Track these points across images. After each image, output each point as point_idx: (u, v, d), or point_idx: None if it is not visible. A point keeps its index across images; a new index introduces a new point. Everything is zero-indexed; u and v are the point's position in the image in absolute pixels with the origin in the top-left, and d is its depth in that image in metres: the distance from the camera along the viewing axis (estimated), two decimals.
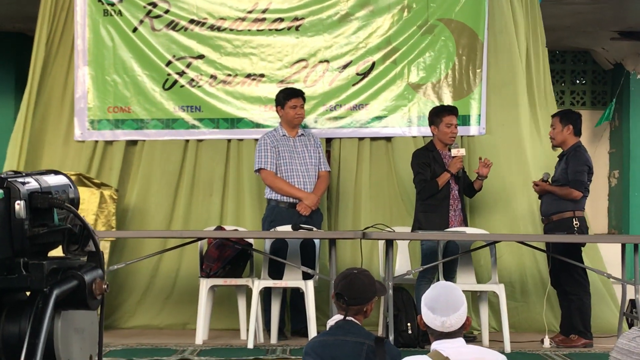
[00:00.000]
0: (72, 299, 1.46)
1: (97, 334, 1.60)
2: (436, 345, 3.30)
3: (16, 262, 1.45)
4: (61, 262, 1.51)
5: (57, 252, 1.62)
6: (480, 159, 7.02)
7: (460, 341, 3.34)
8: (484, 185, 7.34)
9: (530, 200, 7.36)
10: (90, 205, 6.94)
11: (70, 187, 1.61)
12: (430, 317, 3.28)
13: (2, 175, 1.45)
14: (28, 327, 1.39)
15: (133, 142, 7.78)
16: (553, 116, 7.00)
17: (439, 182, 6.83)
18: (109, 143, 7.77)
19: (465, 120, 7.59)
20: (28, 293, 1.49)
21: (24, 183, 1.47)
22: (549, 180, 6.87)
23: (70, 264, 1.52)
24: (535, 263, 7.34)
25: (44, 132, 7.77)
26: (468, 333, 7.01)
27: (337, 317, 3.92)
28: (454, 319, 3.27)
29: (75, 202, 1.61)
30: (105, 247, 7.03)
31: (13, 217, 1.42)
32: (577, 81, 10.91)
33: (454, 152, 6.91)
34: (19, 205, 1.43)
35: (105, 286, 1.51)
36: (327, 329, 3.97)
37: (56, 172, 1.62)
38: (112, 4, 7.79)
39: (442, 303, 3.27)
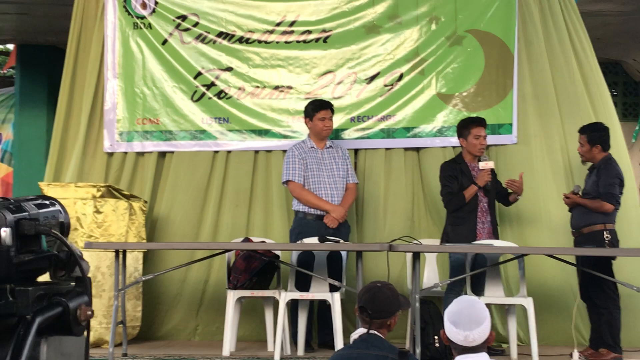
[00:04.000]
0: (56, 325, 1.47)
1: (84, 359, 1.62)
2: None
3: (2, 289, 1.46)
4: (48, 288, 1.52)
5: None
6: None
7: (484, 356, 3.31)
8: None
9: (563, 213, 7.29)
10: (120, 217, 6.99)
11: (61, 213, 1.63)
12: (453, 331, 3.27)
13: None
14: (9, 354, 1.40)
15: (161, 154, 7.83)
16: (580, 132, 6.89)
17: (466, 195, 6.79)
18: (138, 154, 7.83)
19: (494, 129, 7.55)
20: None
21: (11, 210, 1.48)
22: (580, 192, 6.82)
23: (58, 289, 1.53)
24: (565, 276, 7.28)
25: (75, 143, 7.84)
26: (496, 346, 6.97)
27: (361, 331, 3.91)
28: (477, 333, 3.25)
29: (66, 227, 1.63)
30: (138, 258, 7.08)
31: None
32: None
33: (481, 164, 6.88)
34: (5, 233, 1.45)
35: (90, 312, 1.52)
36: (351, 342, 3.96)
37: (45, 197, 1.63)
38: (142, 17, 7.86)
39: (465, 317, 3.26)
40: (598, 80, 7.78)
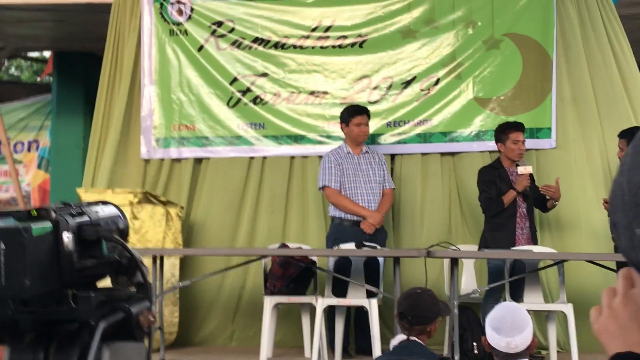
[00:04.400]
0: (119, 331, 1.47)
1: None
2: None
3: (64, 294, 1.46)
4: (109, 294, 1.52)
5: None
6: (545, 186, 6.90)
7: None
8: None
9: (603, 218, 7.20)
10: (157, 223, 7.01)
11: (120, 218, 1.62)
12: (495, 338, 3.23)
13: (52, 207, 1.46)
14: (74, 359, 1.40)
15: (197, 160, 7.84)
16: (620, 137, 6.81)
17: (505, 201, 6.74)
18: (175, 161, 7.85)
19: (532, 133, 7.48)
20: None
21: (72, 215, 1.48)
22: None
23: (118, 295, 1.53)
24: (605, 282, 7.17)
25: (112, 150, 7.86)
26: (536, 354, 6.89)
27: (401, 337, 3.88)
28: (519, 339, 3.21)
29: (125, 232, 1.62)
30: (175, 264, 7.10)
31: (62, 250, 1.44)
32: None
33: (520, 169, 6.82)
34: (68, 238, 1.44)
35: (152, 318, 1.52)
36: (391, 349, 3.93)
37: (105, 203, 1.63)
38: (178, 24, 7.88)
39: (507, 324, 3.22)
40: (638, 84, 7.69)
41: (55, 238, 1.43)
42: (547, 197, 6.93)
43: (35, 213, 1.43)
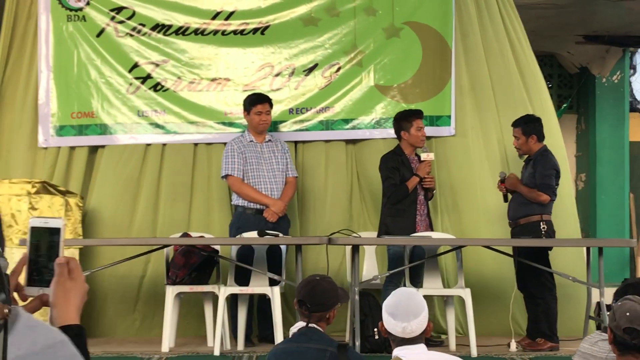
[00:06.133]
0: None
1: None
2: (398, 352, 3.29)
3: None
4: None
5: None
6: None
7: (421, 347, 3.32)
8: (456, 188, 7.51)
9: (500, 204, 7.35)
10: (56, 213, 6.87)
11: None
12: (391, 323, 3.27)
13: None
14: None
15: (95, 148, 7.70)
16: (514, 126, 6.95)
17: (409, 186, 6.82)
18: (72, 149, 7.68)
19: (432, 121, 7.60)
20: None
21: None
22: (506, 178, 6.89)
23: None
24: (502, 267, 7.35)
25: (8, 139, 7.68)
26: (435, 337, 7.01)
27: (300, 324, 3.90)
28: (415, 324, 3.26)
29: None
30: (74, 254, 6.96)
31: None
32: None
33: (423, 156, 6.91)
34: None
35: (7, 310, 1.48)
36: (290, 336, 3.95)
37: None
38: (76, 10, 7.72)
39: (403, 309, 3.26)
40: (534, 72, 7.87)
41: None
42: (430, 188, 7.03)
43: None
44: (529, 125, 6.85)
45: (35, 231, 1.69)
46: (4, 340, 1.51)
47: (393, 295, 3.34)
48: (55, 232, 1.69)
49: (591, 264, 6.60)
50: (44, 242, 1.69)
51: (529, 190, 6.71)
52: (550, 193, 6.73)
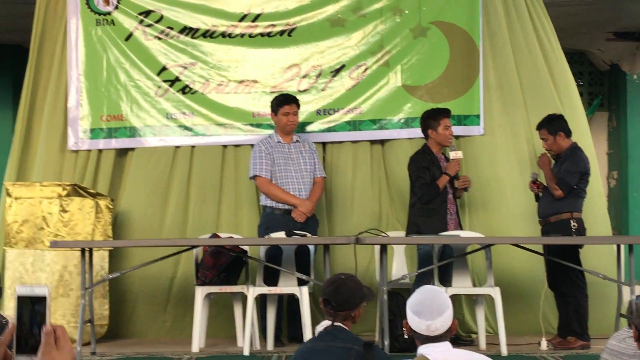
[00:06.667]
0: None
1: None
2: (422, 350, 3.28)
3: None
4: None
5: None
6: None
7: (446, 345, 3.31)
8: (484, 186, 7.48)
9: (530, 202, 7.32)
10: (86, 215, 6.94)
11: None
12: (415, 321, 3.26)
13: None
14: None
15: (125, 151, 7.77)
16: (539, 129, 6.92)
17: (440, 185, 6.82)
18: (102, 152, 7.76)
19: (460, 120, 7.58)
20: None
21: None
22: (538, 179, 6.87)
23: None
24: (532, 265, 7.31)
25: (40, 142, 7.76)
26: (465, 337, 6.99)
27: (326, 323, 3.91)
28: (439, 322, 3.24)
29: None
30: (104, 256, 7.03)
31: None
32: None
33: (452, 154, 6.90)
34: None
35: None
36: (316, 334, 3.95)
37: None
38: (105, 14, 7.79)
39: (427, 307, 3.25)
40: (564, 70, 7.82)
41: None
42: (464, 188, 7.02)
43: None
44: (552, 124, 6.82)
45: (22, 300, 1.70)
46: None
47: (417, 293, 3.33)
48: (42, 300, 1.70)
49: (622, 261, 6.54)
50: (30, 310, 1.71)
51: (550, 178, 6.68)
52: (566, 191, 6.66)
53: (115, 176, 7.72)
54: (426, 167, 6.87)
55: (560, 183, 6.65)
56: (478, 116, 7.67)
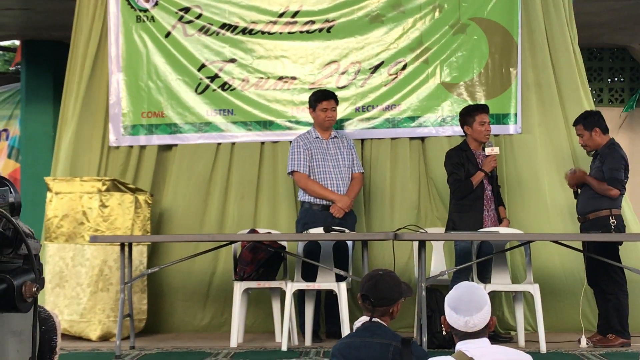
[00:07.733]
0: (1, 302, 1.47)
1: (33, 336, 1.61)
2: (460, 346, 3.27)
3: None
4: None
5: None
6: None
7: (484, 341, 3.29)
8: (523, 184, 7.44)
9: (569, 199, 7.27)
10: (126, 210, 7.00)
11: (11, 192, 1.62)
12: (453, 317, 3.25)
13: None
14: None
15: (167, 147, 7.84)
16: (575, 125, 6.88)
17: (473, 182, 6.79)
18: (143, 148, 7.83)
19: (499, 119, 7.54)
20: None
21: None
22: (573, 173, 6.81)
23: (4, 267, 1.53)
24: (571, 262, 7.26)
25: (81, 138, 7.84)
26: (505, 334, 6.96)
27: (364, 319, 3.91)
28: (478, 318, 3.23)
29: (16, 206, 1.62)
30: (142, 251, 7.10)
31: None
32: (615, 78, 10.78)
33: (487, 150, 6.87)
34: None
35: (35, 289, 1.52)
36: (354, 330, 3.96)
37: None
38: (145, 10, 7.86)
39: (465, 303, 3.24)
40: (581, 68, 7.78)
41: None
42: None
43: None
44: (588, 120, 6.77)
45: None
46: (34, 316, 1.56)
47: (455, 289, 3.32)
48: None
49: None
50: None
51: (598, 183, 6.62)
52: (620, 187, 6.63)
53: (155, 173, 7.78)
54: (460, 163, 6.85)
55: (612, 182, 6.59)
56: (516, 115, 7.63)
